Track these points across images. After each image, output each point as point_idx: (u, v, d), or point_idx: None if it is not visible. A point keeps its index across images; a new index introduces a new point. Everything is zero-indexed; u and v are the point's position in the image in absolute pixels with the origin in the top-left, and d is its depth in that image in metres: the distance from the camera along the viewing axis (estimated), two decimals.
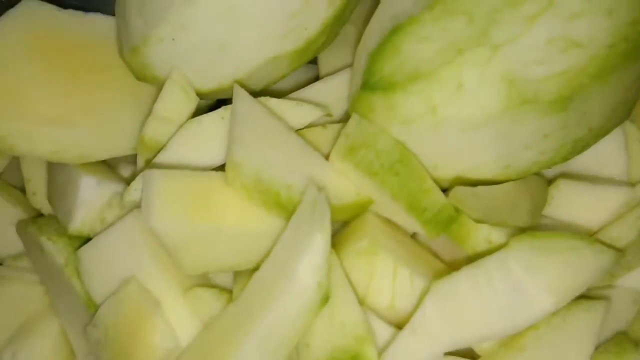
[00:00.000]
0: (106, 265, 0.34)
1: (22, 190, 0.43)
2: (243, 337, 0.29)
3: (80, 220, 0.37)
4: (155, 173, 0.31)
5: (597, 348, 0.32)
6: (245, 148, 0.32)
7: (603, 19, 0.30)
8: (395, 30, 0.31)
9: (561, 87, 0.30)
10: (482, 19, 0.30)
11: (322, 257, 0.29)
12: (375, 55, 0.32)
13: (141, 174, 0.34)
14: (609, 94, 0.32)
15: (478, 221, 0.31)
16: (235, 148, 0.32)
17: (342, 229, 0.36)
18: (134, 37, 0.36)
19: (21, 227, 0.41)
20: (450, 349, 0.30)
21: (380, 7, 0.35)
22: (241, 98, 0.34)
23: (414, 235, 0.36)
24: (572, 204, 0.36)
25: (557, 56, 0.30)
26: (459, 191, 0.31)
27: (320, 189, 0.31)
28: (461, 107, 0.30)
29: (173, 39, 0.35)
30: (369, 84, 0.32)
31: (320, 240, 0.29)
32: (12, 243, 0.42)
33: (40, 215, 0.42)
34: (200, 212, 0.31)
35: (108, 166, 0.40)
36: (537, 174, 0.35)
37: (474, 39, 0.30)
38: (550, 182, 0.37)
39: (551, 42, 0.30)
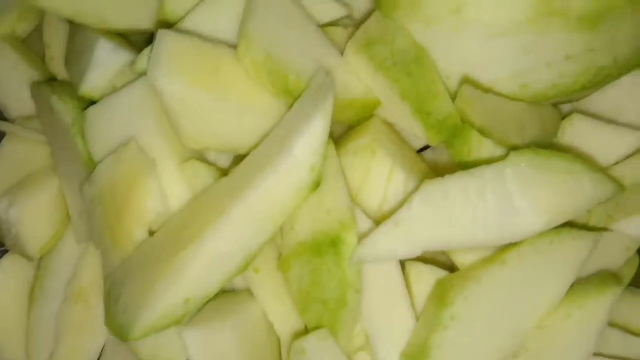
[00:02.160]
0: (110, 127, 0.35)
1: (42, 57, 0.44)
2: (231, 205, 0.30)
3: (92, 82, 0.37)
4: (168, 33, 0.31)
5: (579, 280, 0.31)
6: (260, 23, 0.31)
7: None
8: None
9: (593, 3, 0.29)
10: None
11: (319, 139, 0.29)
12: None
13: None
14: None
15: (480, 130, 0.31)
16: (250, 21, 0.31)
17: (346, 131, 0.35)
18: None
19: (35, 88, 0.41)
20: (429, 249, 0.30)
21: None
22: None
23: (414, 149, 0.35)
24: (583, 139, 0.35)
25: None
26: (467, 91, 0.30)
27: (329, 74, 0.31)
28: (487, 11, 0.29)
29: None
30: None
31: (320, 122, 0.29)
32: (26, 105, 0.43)
33: (55, 80, 0.43)
34: (207, 80, 0.31)
35: (125, 39, 0.40)
36: (553, 105, 0.35)
37: None
38: (564, 117, 0.36)
39: None
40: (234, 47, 0.33)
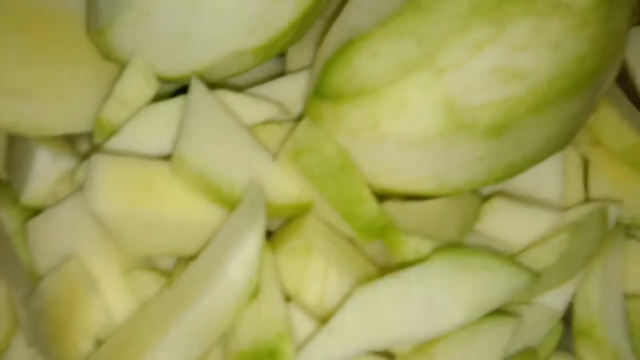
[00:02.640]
0: (52, 239, 0.36)
1: None
2: (172, 322, 0.31)
3: (33, 192, 0.38)
4: (100, 158, 0.32)
5: None
6: (193, 142, 0.33)
7: (548, 52, 0.32)
8: (349, 44, 0.33)
9: (498, 116, 0.32)
10: (430, 41, 0.31)
11: (254, 254, 0.31)
12: (329, 65, 0.33)
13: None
14: (544, 126, 0.34)
15: (407, 234, 0.33)
16: (183, 141, 0.33)
17: (282, 226, 0.37)
18: (101, 19, 0.37)
19: None
20: (365, 351, 0.32)
21: (341, 15, 0.36)
22: (197, 90, 0.35)
23: (351, 240, 0.38)
24: (502, 222, 0.37)
25: (497, 85, 0.32)
26: (388, 206, 0.33)
27: (261, 189, 0.33)
28: (402, 126, 0.32)
29: (136, 25, 0.36)
30: (320, 92, 0.34)
31: (253, 239, 0.31)
32: None
33: None
34: (143, 198, 0.32)
35: (66, 140, 0.41)
36: (472, 191, 0.37)
37: (420, 61, 0.31)
38: (485, 198, 0.39)
39: (494, 71, 0.32)
40: (168, 157, 0.35)
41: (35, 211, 0.38)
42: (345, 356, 0.31)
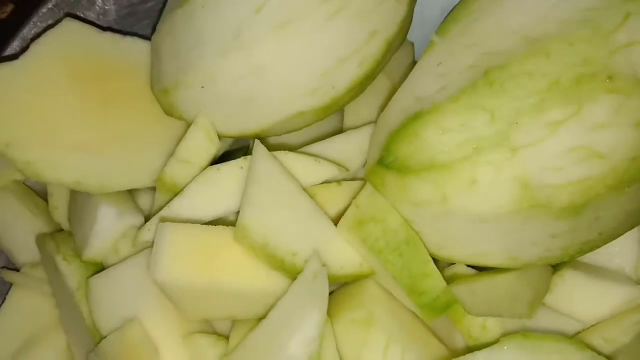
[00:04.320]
0: (114, 298, 0.36)
1: (45, 198, 0.45)
2: None
3: (96, 248, 0.38)
4: (167, 226, 0.32)
5: None
6: (256, 211, 0.33)
7: (629, 131, 0.30)
8: (417, 116, 0.32)
9: (576, 195, 0.30)
10: (504, 119, 0.30)
11: (315, 331, 0.30)
12: (395, 136, 0.33)
13: (155, 221, 0.35)
14: (624, 203, 0.32)
15: (475, 315, 0.32)
16: (246, 209, 0.33)
17: (340, 290, 0.37)
18: (165, 79, 0.37)
19: (40, 240, 0.42)
20: None
21: (407, 82, 0.35)
22: (259, 154, 0.35)
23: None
24: (574, 295, 0.36)
25: (575, 165, 0.30)
26: (457, 290, 0.32)
27: (322, 263, 0.32)
28: (472, 202, 0.31)
29: (202, 87, 0.36)
30: (385, 162, 0.33)
31: (316, 316, 0.30)
32: (31, 251, 0.43)
33: (60, 229, 0.44)
34: (207, 266, 0.32)
35: (128, 194, 0.41)
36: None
37: (493, 138, 0.30)
38: (555, 268, 0.37)
39: (571, 151, 0.30)
40: (232, 223, 0.35)
41: (97, 265, 0.39)
42: None
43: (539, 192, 0.30)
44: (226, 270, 0.33)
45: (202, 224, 0.34)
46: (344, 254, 0.34)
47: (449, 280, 0.33)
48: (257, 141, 0.36)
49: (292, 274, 0.33)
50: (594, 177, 0.30)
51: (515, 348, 0.30)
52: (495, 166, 0.30)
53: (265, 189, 0.34)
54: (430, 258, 0.33)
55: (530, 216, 0.31)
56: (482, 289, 0.32)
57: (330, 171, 0.37)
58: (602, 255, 0.37)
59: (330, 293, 0.36)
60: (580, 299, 0.36)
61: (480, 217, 0.31)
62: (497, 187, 0.30)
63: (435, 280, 0.32)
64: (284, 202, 0.34)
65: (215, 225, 0.34)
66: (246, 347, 0.32)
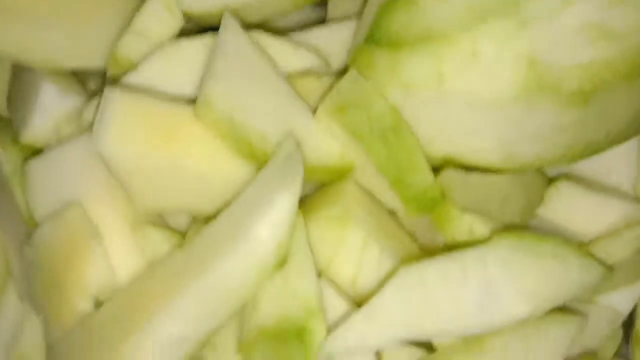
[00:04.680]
0: (53, 183, 0.31)
1: None
2: (185, 285, 0.27)
3: (35, 129, 0.33)
4: (115, 92, 0.28)
5: None
6: (222, 84, 0.28)
7: None
8: None
9: (585, 79, 0.27)
10: None
11: (286, 216, 0.27)
12: (388, 6, 0.28)
13: (103, 97, 0.30)
14: (634, 98, 0.29)
15: (463, 210, 0.28)
16: (210, 82, 0.28)
17: (315, 193, 0.33)
18: None
19: None
20: (405, 339, 0.27)
21: None
22: (230, 28, 0.30)
23: (392, 212, 0.33)
24: (569, 208, 0.33)
25: (587, 44, 0.27)
26: (449, 174, 0.28)
27: (298, 144, 0.28)
28: (471, 80, 0.27)
29: None
30: (375, 37, 0.29)
31: (287, 199, 0.27)
32: None
33: None
34: (161, 142, 0.28)
35: (76, 78, 0.36)
36: (538, 170, 0.33)
37: (501, 7, 0.26)
38: (550, 181, 0.34)
39: (585, 28, 0.27)
40: (192, 101, 0.30)
41: (37, 152, 0.34)
42: (382, 343, 0.27)
43: (546, 73, 0.27)
44: (184, 151, 0.29)
45: None
46: (322, 143, 0.30)
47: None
48: (227, 13, 0.31)
49: (260, 161, 0.29)
50: (606, 60, 0.27)
51: (507, 248, 0.27)
52: (501, 39, 0.26)
53: (233, 63, 0.29)
54: (420, 148, 0.29)
55: (536, 102, 0.27)
56: (473, 182, 0.28)
57: (309, 59, 0.33)
58: (600, 170, 0.34)
59: (305, 197, 0.33)
60: (577, 212, 0.33)
61: (479, 100, 0.27)
62: (501, 63, 0.27)
63: (423, 173, 0.29)
64: (254, 79, 0.29)
65: None
66: (205, 236, 0.28)
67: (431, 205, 0.29)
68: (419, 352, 0.30)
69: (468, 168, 0.30)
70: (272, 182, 0.27)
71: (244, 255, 0.27)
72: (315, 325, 0.27)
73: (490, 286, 0.27)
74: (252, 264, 0.27)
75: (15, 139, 0.35)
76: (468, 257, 0.27)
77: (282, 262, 0.27)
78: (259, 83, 0.30)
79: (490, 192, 0.29)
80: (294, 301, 0.27)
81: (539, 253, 0.27)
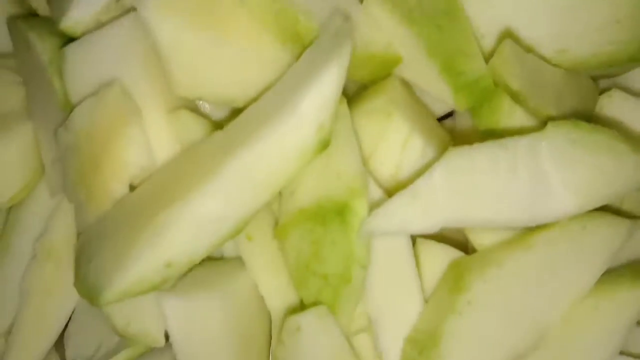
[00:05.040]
0: (92, 67, 0.31)
1: None
2: (224, 164, 0.26)
3: (75, 16, 0.32)
4: None
5: (610, 270, 0.28)
6: None
7: None
8: None
9: None
10: None
11: (331, 93, 0.25)
12: None
13: None
14: None
15: (516, 95, 0.27)
16: None
17: (361, 90, 0.32)
18: None
19: (12, 23, 0.37)
20: (449, 225, 0.26)
21: None
22: None
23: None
24: (620, 117, 0.31)
25: None
26: (508, 47, 0.27)
27: (346, 18, 0.27)
28: None
29: None
30: None
31: (334, 74, 0.25)
32: (2, 41, 0.38)
33: (35, 15, 0.39)
34: (204, 19, 0.27)
35: None
36: (591, 78, 0.31)
37: None
38: (602, 92, 0.33)
39: None
40: None
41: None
42: (426, 226, 0.26)
43: None
44: (227, 31, 0.28)
45: None
46: (369, 30, 0.29)
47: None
48: None
49: (305, 43, 0.28)
50: None
51: (562, 138, 0.26)
52: None
53: None
54: (473, 33, 0.28)
55: None
56: (531, 65, 0.27)
57: None
58: None
59: (349, 95, 0.32)
60: (628, 122, 0.31)
61: None
62: None
63: (475, 60, 0.27)
64: None
65: None
66: (246, 117, 0.27)
67: (482, 96, 0.28)
68: (456, 253, 0.29)
69: None
70: (318, 57, 0.26)
71: (286, 133, 0.26)
72: (358, 204, 0.26)
73: (541, 178, 0.26)
74: (293, 144, 0.26)
75: (53, 32, 0.34)
76: (520, 145, 0.26)
77: (325, 144, 0.26)
78: None
79: (546, 82, 0.28)
80: (337, 181, 0.27)
81: (595, 146, 0.26)
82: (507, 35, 0.28)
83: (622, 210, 0.30)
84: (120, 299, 0.26)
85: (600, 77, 0.33)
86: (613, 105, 0.31)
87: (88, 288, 0.27)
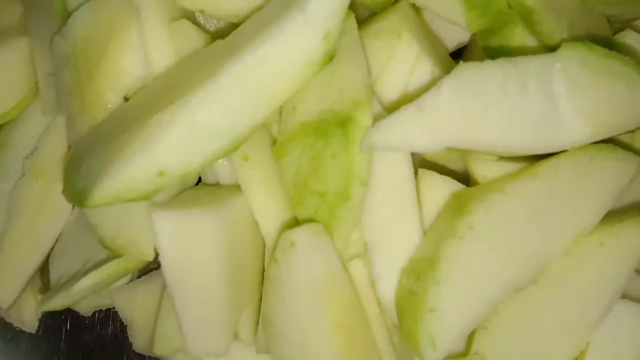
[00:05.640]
0: None
1: None
2: (224, 69, 0.25)
3: None
4: None
5: (614, 208, 0.27)
6: None
7: None
8: None
9: None
10: None
11: (338, 1, 0.24)
12: None
13: None
14: None
15: (530, 13, 0.25)
16: None
17: (370, 16, 0.30)
18: None
19: None
20: (454, 145, 0.25)
21: None
22: None
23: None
24: (634, 56, 0.30)
25: None
26: None
27: None
28: None
29: None
30: None
31: None
32: None
33: None
34: None
35: None
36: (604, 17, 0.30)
37: None
38: (615, 32, 0.32)
39: None
40: None
41: None
42: (431, 143, 0.25)
43: None
44: None
45: None
46: None
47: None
48: None
49: None
50: None
51: (576, 61, 0.25)
52: None
53: None
54: None
55: None
56: None
57: None
58: None
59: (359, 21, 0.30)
60: None
61: None
62: None
63: None
64: None
65: None
66: (251, 21, 0.26)
67: (495, 18, 0.27)
68: (457, 185, 0.28)
69: None
70: None
71: (290, 38, 0.24)
72: (361, 116, 0.25)
73: (552, 101, 0.25)
74: (297, 51, 0.25)
75: None
76: (533, 65, 0.25)
77: (331, 55, 0.25)
78: None
79: (560, 7, 0.27)
80: (340, 94, 0.25)
81: (609, 72, 0.25)
82: None
83: (632, 147, 0.29)
84: (109, 203, 0.25)
85: (614, 20, 0.32)
86: (626, 44, 0.30)
87: (77, 191, 0.26)
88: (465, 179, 0.29)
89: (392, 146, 0.25)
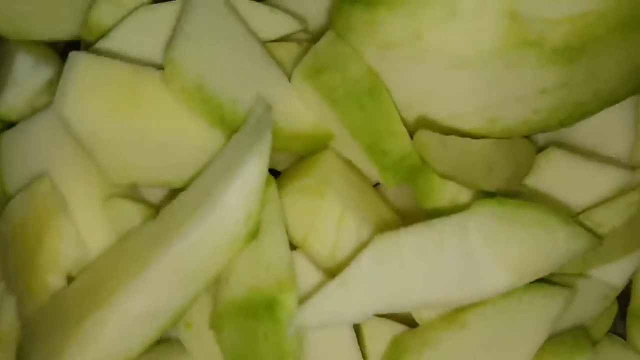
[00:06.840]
0: (25, 156, 0.30)
1: None
2: (154, 257, 0.26)
3: (9, 102, 0.32)
4: (80, 56, 0.26)
5: (551, 337, 0.28)
6: (190, 46, 0.27)
7: None
8: None
9: (571, 34, 0.25)
10: None
11: (255, 184, 0.25)
12: None
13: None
14: (627, 54, 0.27)
15: (443, 176, 0.27)
16: (178, 44, 0.27)
17: (292, 165, 0.31)
18: None
19: None
20: (382, 311, 0.26)
21: None
22: None
23: (373, 183, 0.32)
24: (559, 177, 0.31)
25: None
26: (424, 136, 0.27)
27: (269, 107, 0.27)
28: (450, 38, 0.26)
29: None
30: None
31: (256, 164, 0.25)
32: None
33: None
34: (127, 108, 0.27)
35: (51, 49, 0.35)
36: (526, 137, 0.31)
37: None
38: (540, 149, 0.32)
39: None
40: (162, 68, 0.29)
41: (12, 125, 0.33)
42: (358, 314, 0.26)
43: (529, 27, 0.25)
44: (152, 118, 0.27)
45: None
46: (297, 109, 0.29)
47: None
48: None
49: (232, 128, 0.28)
50: (595, 13, 0.25)
51: (489, 216, 0.26)
52: None
53: (204, 25, 0.28)
54: (397, 113, 0.28)
55: (517, 58, 0.26)
56: (454, 146, 0.27)
57: (288, 25, 0.32)
58: (593, 137, 0.33)
59: (283, 169, 0.32)
60: (567, 181, 0.31)
61: (459, 59, 0.26)
62: (480, 18, 0.25)
63: (400, 140, 0.27)
64: (226, 42, 0.28)
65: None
66: (175, 207, 0.27)
67: (410, 173, 0.28)
68: (400, 327, 0.29)
69: (448, 133, 0.28)
70: (241, 148, 0.26)
71: (214, 224, 0.26)
72: (286, 298, 0.26)
73: (471, 256, 0.26)
74: (222, 234, 0.26)
75: None
76: (447, 225, 0.26)
77: (254, 234, 0.26)
78: (232, 47, 0.29)
79: (473, 158, 0.28)
80: (265, 273, 0.26)
81: (524, 221, 0.26)
82: (426, 117, 0.27)
83: (561, 273, 0.29)
84: None
85: (536, 133, 0.32)
86: (550, 165, 0.31)
87: None
88: (409, 316, 0.30)
89: (322, 323, 0.26)
